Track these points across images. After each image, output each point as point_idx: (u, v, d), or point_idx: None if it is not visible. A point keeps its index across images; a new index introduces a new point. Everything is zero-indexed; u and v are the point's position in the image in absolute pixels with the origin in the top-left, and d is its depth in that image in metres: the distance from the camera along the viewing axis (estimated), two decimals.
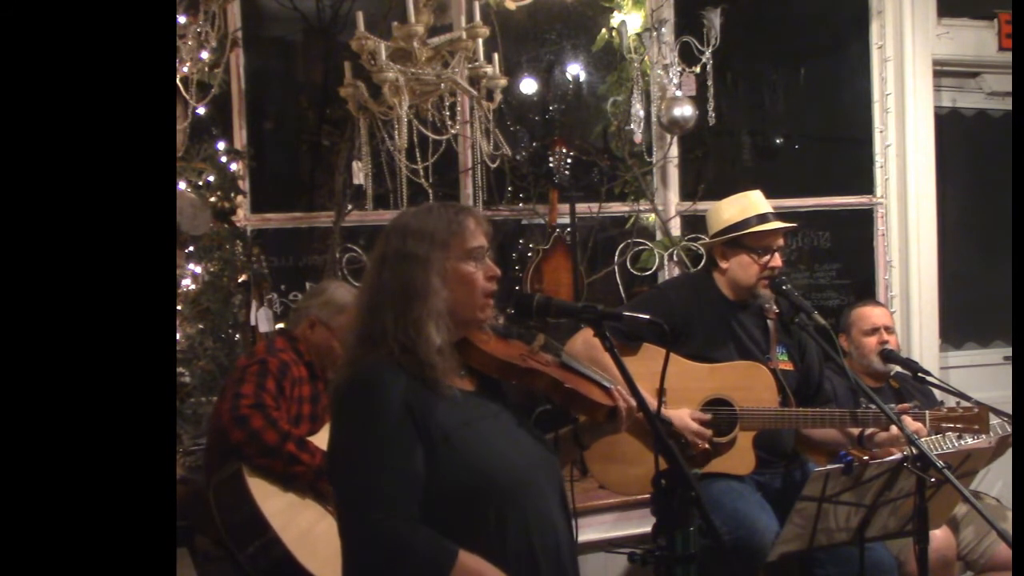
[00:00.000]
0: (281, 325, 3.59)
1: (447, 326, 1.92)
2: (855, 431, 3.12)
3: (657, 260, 4.21)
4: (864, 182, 4.66)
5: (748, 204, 3.23)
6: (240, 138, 3.82)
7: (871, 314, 3.67)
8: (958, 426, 3.05)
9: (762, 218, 3.19)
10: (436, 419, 1.86)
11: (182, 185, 3.37)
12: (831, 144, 4.89)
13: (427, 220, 1.97)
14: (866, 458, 2.62)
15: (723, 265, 3.23)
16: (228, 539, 2.79)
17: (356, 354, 1.93)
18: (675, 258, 4.23)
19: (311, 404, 3.01)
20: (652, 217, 4.29)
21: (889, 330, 3.66)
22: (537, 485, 1.96)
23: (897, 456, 2.67)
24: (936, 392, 3.61)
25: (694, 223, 4.24)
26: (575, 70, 4.33)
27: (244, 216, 3.79)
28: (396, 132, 3.16)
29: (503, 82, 3.31)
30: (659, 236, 4.26)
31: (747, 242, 3.17)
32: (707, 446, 2.93)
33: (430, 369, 1.87)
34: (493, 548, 1.86)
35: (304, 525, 2.75)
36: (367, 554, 1.84)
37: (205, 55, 3.35)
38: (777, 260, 3.18)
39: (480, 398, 2.00)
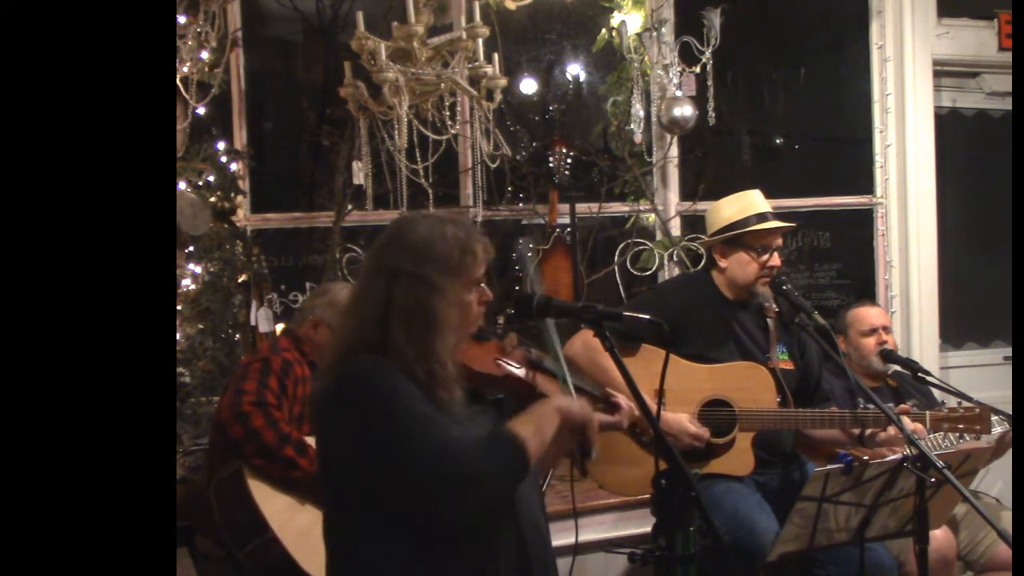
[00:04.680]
0: (281, 325, 3.59)
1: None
2: (856, 430, 3.12)
3: (657, 260, 4.21)
4: (864, 182, 4.66)
5: (748, 203, 3.24)
6: (240, 138, 3.82)
7: (868, 315, 3.67)
8: (959, 426, 3.05)
9: (761, 217, 3.20)
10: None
11: (182, 185, 3.37)
12: (831, 144, 4.89)
13: (442, 243, 1.92)
14: (866, 458, 2.62)
15: (722, 264, 3.23)
16: (227, 538, 2.79)
17: (349, 360, 1.88)
18: (675, 258, 4.23)
19: None
20: (652, 217, 4.29)
21: (887, 330, 3.65)
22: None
23: (897, 456, 2.67)
24: (936, 392, 3.61)
25: (694, 223, 4.24)
26: (575, 70, 4.34)
27: (244, 216, 3.79)
28: (396, 132, 3.16)
29: (503, 82, 3.31)
30: (659, 236, 4.26)
31: (746, 241, 3.18)
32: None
33: (440, 389, 1.86)
34: (486, 546, 1.87)
35: (303, 525, 2.75)
36: (450, 506, 1.79)
37: (205, 55, 3.35)
38: (776, 259, 3.18)
39: (464, 401, 1.97)
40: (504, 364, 2.08)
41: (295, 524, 2.75)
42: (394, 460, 1.78)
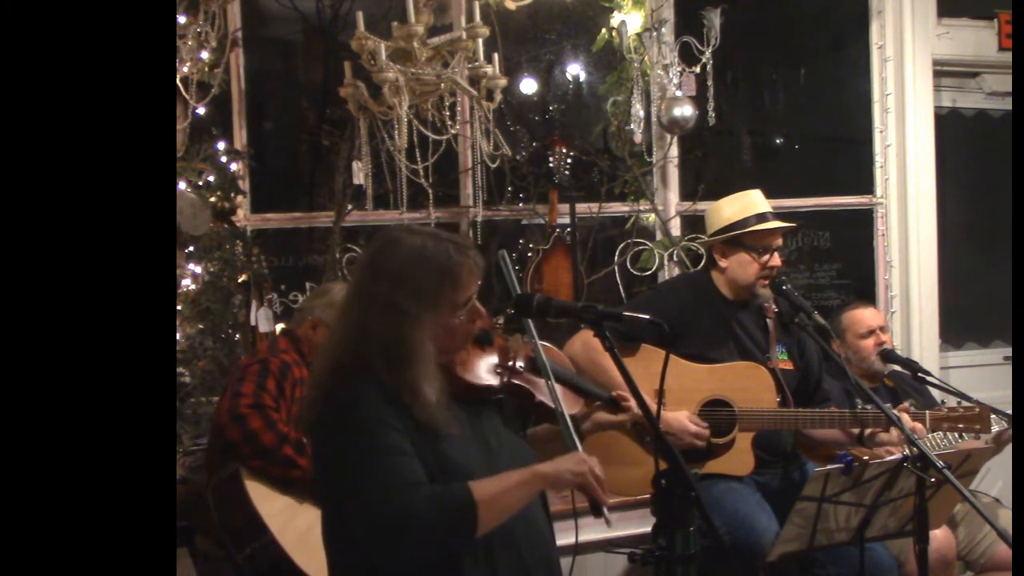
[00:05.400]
0: (281, 325, 3.59)
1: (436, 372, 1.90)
2: (855, 430, 3.12)
3: (657, 260, 4.21)
4: (864, 182, 4.66)
5: (748, 203, 3.24)
6: (240, 138, 3.82)
7: (864, 316, 3.66)
8: (959, 426, 3.05)
9: (761, 217, 3.20)
10: (414, 432, 1.85)
11: (182, 185, 3.37)
12: (831, 144, 4.88)
13: (420, 270, 1.88)
14: (866, 458, 2.63)
15: (722, 264, 3.23)
16: (226, 540, 2.79)
17: (331, 383, 1.88)
18: (675, 258, 4.23)
19: None
20: (652, 217, 4.29)
21: (883, 329, 3.65)
22: None
23: (897, 456, 2.68)
24: (936, 392, 3.61)
25: (694, 223, 4.24)
26: (575, 70, 4.33)
27: (244, 216, 3.79)
28: (396, 132, 3.16)
29: (503, 82, 3.31)
30: (659, 236, 4.26)
31: (746, 241, 3.18)
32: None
33: (420, 410, 1.85)
34: (484, 545, 1.87)
35: (302, 527, 2.75)
36: (395, 544, 1.79)
37: (205, 55, 3.35)
38: (776, 259, 3.19)
39: (452, 405, 1.95)
40: (503, 374, 2.07)
41: (294, 526, 2.75)
42: (349, 491, 1.82)
